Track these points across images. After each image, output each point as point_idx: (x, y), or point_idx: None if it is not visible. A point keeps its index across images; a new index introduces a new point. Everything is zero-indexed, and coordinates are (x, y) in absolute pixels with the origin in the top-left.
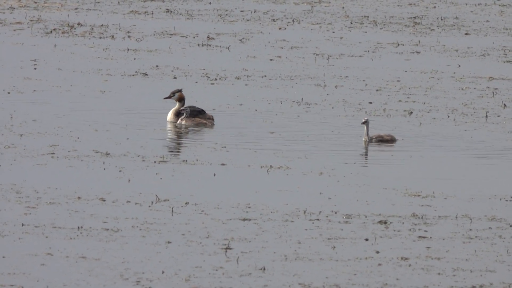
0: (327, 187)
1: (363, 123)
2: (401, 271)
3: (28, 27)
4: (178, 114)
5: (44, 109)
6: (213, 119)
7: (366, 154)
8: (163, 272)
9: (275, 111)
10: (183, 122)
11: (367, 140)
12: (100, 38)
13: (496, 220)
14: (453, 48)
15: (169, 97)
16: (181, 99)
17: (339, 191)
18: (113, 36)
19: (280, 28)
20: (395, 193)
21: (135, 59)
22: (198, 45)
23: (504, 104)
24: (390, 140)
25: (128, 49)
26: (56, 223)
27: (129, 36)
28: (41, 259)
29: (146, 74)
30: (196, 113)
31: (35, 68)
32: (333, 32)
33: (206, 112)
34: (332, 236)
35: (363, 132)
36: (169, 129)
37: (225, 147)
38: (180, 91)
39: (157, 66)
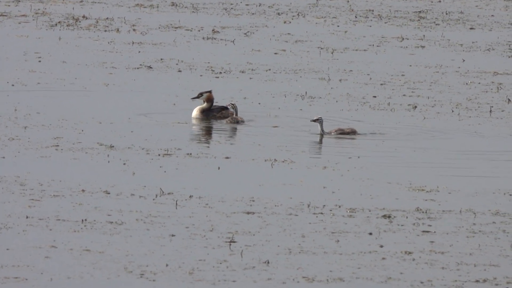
0: (331, 181)
1: (315, 121)
2: (404, 265)
3: (33, 19)
4: (204, 111)
5: (48, 102)
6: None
7: (370, 149)
8: (167, 265)
9: (279, 105)
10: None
11: (323, 134)
12: (105, 31)
13: (500, 215)
14: (457, 42)
15: (197, 97)
16: (209, 100)
17: (343, 185)
18: (118, 29)
19: (285, 22)
20: (399, 188)
21: (139, 52)
22: (203, 38)
23: (509, 99)
24: (351, 133)
25: (133, 42)
26: (60, 215)
27: (134, 29)
28: (45, 252)
29: (151, 67)
30: (220, 109)
31: (40, 61)
32: (338, 26)
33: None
34: (336, 230)
35: (318, 129)
36: (194, 125)
37: (229, 140)
38: (209, 92)
39: (161, 59)
